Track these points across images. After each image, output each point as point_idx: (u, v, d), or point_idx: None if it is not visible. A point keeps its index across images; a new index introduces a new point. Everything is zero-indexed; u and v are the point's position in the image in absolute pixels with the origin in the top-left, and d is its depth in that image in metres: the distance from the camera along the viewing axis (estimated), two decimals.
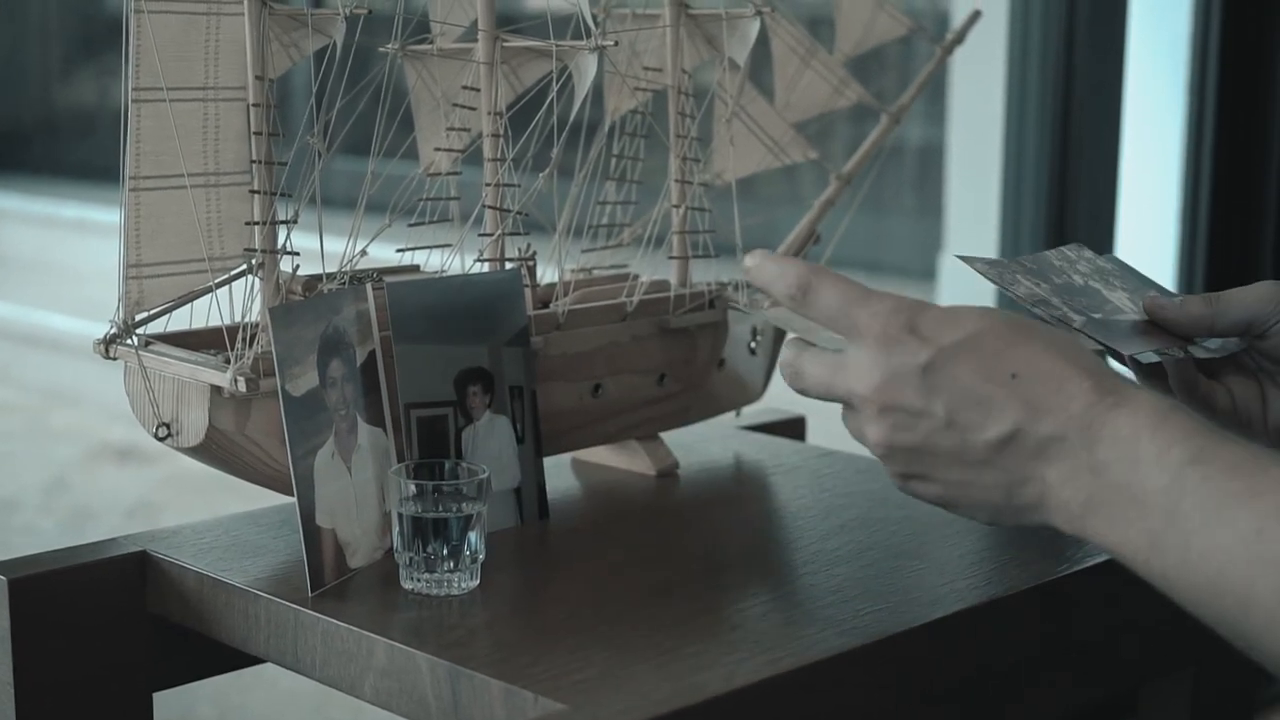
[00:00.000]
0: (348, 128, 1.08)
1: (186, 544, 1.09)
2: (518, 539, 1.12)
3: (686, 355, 1.27)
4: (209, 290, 1.08)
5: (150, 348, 1.07)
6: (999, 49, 2.26)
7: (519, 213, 1.17)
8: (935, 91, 3.49)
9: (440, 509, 1.00)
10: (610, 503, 1.22)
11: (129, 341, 1.07)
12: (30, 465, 3.80)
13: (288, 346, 0.99)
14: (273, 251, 1.07)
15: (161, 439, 1.06)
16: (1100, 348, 0.99)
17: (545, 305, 1.21)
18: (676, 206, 1.27)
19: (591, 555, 1.09)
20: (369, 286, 1.08)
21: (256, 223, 1.06)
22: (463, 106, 1.17)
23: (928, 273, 3.71)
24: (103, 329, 1.07)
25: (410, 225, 1.16)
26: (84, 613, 1.06)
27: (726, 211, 1.27)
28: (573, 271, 1.26)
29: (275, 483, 1.07)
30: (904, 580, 1.03)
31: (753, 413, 1.43)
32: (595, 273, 1.29)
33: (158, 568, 1.07)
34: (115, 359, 1.07)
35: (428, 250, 1.17)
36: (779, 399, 1.47)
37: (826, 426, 1.80)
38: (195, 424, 1.05)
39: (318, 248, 1.06)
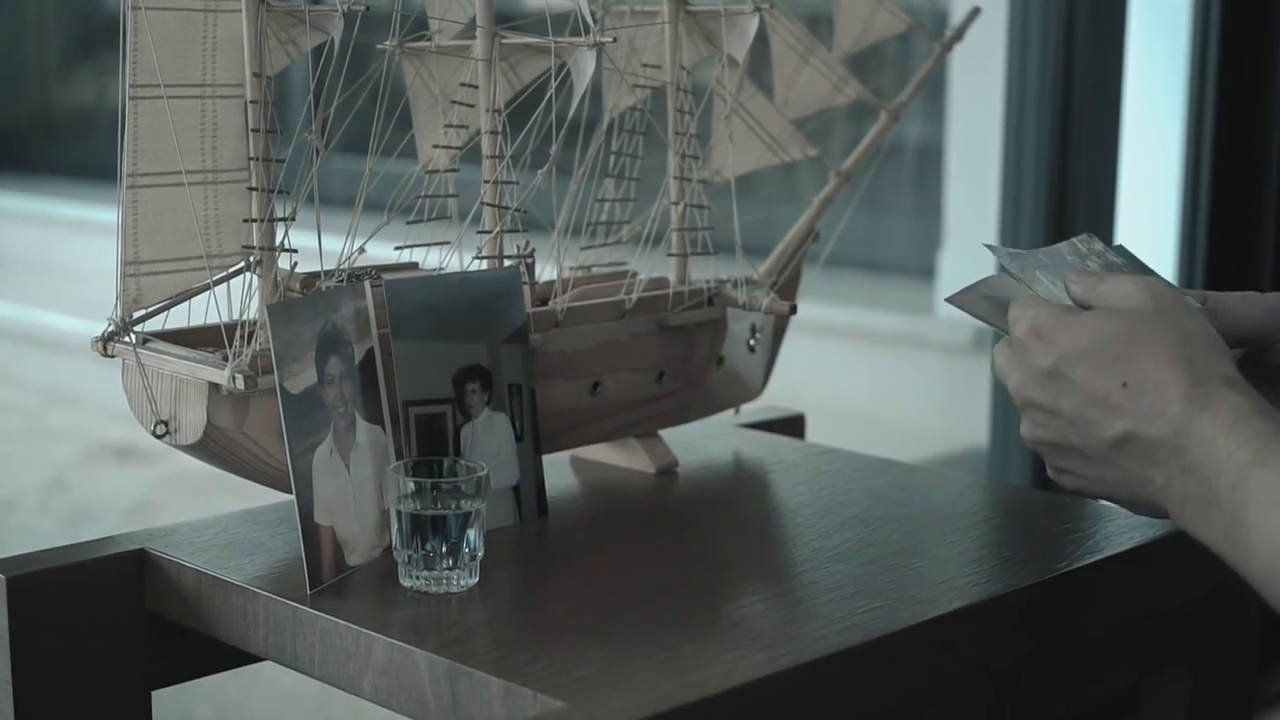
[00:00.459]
0: (346, 125, 1.08)
1: (185, 542, 1.09)
2: (516, 537, 1.12)
3: (685, 353, 1.27)
4: (207, 288, 1.08)
5: (148, 345, 1.07)
6: (998, 46, 2.26)
7: (517, 210, 1.17)
8: (934, 89, 3.50)
9: (439, 506, 1.00)
10: (609, 501, 1.21)
11: (127, 339, 1.07)
12: (29, 465, 3.80)
13: (286, 344, 0.99)
14: (271, 249, 1.07)
15: (160, 437, 1.06)
16: None
17: (544, 303, 1.21)
18: (675, 204, 1.27)
19: (590, 553, 1.09)
20: (367, 284, 1.07)
21: (254, 220, 1.06)
22: (461, 104, 1.17)
23: (926, 271, 3.71)
24: (102, 328, 1.07)
25: (408, 223, 1.16)
26: (82, 611, 1.06)
27: (725, 209, 1.27)
28: (571, 269, 1.26)
29: (274, 480, 1.07)
30: (903, 578, 1.03)
31: (752, 410, 1.43)
32: (594, 270, 1.29)
33: (156, 566, 1.07)
34: (113, 357, 1.07)
35: (426, 248, 1.17)
36: (778, 397, 1.47)
37: (825, 424, 1.80)
38: (193, 422, 1.04)
39: (316, 245, 1.06)
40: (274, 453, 1.05)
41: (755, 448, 1.35)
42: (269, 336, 0.99)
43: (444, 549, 0.99)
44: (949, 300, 1.03)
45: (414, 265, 1.19)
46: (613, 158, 1.27)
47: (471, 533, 1.00)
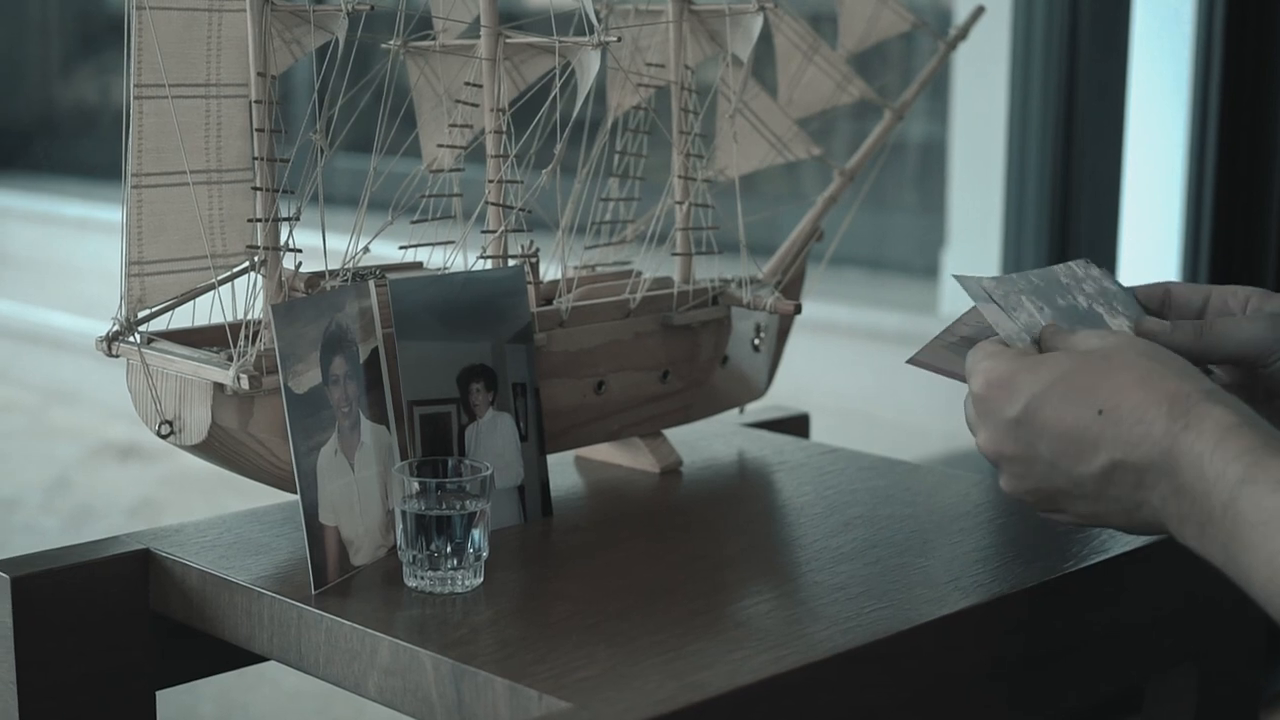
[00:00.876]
0: (350, 124, 1.08)
1: (189, 542, 1.09)
2: (521, 537, 1.12)
3: (690, 352, 1.27)
4: (211, 287, 1.08)
5: (153, 345, 1.07)
6: (1002, 45, 2.26)
7: (522, 209, 1.17)
8: (938, 88, 3.49)
9: (443, 506, 1.00)
10: (614, 500, 1.21)
11: (131, 339, 1.07)
12: (32, 464, 3.80)
13: (290, 344, 0.99)
14: (275, 248, 1.06)
15: (164, 437, 1.06)
16: None
17: (548, 302, 1.21)
18: (679, 203, 1.26)
19: (595, 553, 1.09)
20: (372, 283, 1.07)
21: (259, 220, 1.06)
22: (465, 103, 1.17)
23: (930, 270, 3.71)
24: (105, 327, 1.07)
25: (413, 222, 1.16)
26: (86, 611, 1.06)
27: (729, 208, 1.27)
28: (575, 268, 1.26)
29: (278, 481, 1.07)
30: (908, 578, 1.03)
31: (756, 410, 1.43)
32: (598, 269, 1.29)
33: (160, 566, 1.07)
34: (117, 356, 1.07)
35: (430, 247, 1.17)
36: (782, 396, 1.47)
37: (829, 423, 1.80)
38: (198, 421, 1.04)
39: (320, 245, 1.05)
40: (279, 453, 1.05)
41: (760, 447, 1.35)
42: (274, 336, 0.99)
43: (449, 549, 0.99)
44: (910, 362, 1.01)
45: (418, 265, 1.19)
46: (617, 157, 1.27)
47: (476, 533, 1.00)
